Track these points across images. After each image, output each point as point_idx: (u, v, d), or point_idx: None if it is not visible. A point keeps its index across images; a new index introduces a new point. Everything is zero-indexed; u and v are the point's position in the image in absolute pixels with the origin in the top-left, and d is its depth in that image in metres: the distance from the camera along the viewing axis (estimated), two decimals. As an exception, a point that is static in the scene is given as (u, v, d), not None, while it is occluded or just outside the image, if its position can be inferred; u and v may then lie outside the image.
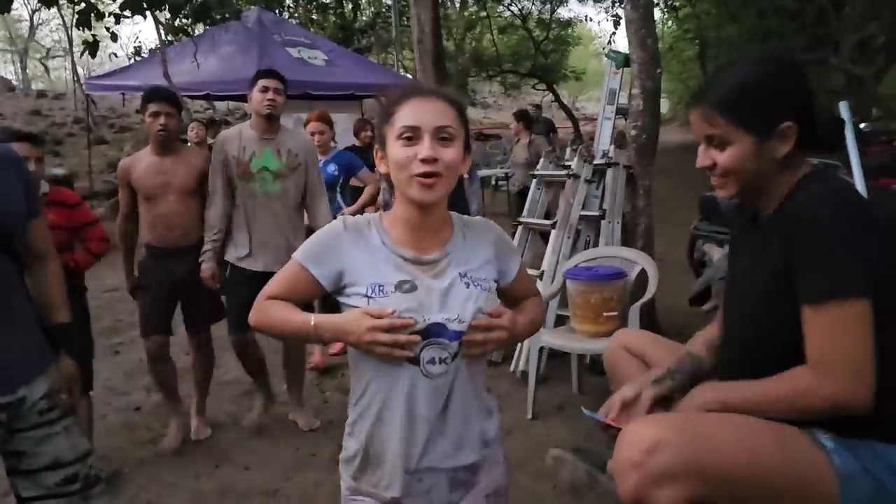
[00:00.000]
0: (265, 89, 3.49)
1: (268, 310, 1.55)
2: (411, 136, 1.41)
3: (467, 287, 1.48)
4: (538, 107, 13.31)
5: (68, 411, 1.96)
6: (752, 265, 1.56)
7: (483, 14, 22.18)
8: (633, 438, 1.35)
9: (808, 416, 1.36)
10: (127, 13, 7.28)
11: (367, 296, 1.46)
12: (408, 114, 1.42)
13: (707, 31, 20.91)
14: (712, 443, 1.32)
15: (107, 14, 7.51)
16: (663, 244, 4.51)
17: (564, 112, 21.79)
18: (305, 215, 3.78)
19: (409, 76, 15.09)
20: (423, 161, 1.39)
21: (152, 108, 3.36)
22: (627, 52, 4.74)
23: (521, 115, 7.34)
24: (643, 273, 3.85)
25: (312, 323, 1.47)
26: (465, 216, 1.66)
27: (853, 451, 1.38)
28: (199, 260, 3.50)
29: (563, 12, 25.92)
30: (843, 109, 3.10)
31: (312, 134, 4.64)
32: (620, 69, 4.80)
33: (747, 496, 1.35)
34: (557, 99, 22.55)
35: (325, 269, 1.51)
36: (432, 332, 1.45)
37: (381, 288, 1.46)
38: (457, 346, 1.47)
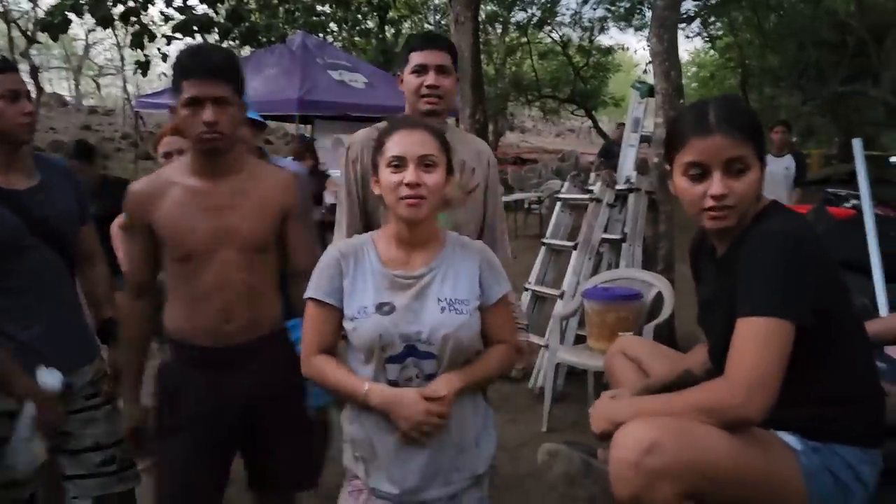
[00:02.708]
0: (421, 69, 2.19)
1: (320, 368, 1.72)
2: (398, 164, 1.63)
3: (442, 312, 1.65)
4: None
5: (109, 399, 2.17)
6: (716, 293, 1.67)
7: (524, 40, 22.46)
8: (629, 440, 1.44)
9: (717, 422, 1.44)
10: (178, 35, 7.68)
11: (352, 318, 1.66)
12: (395, 144, 1.65)
13: (749, 60, 20.90)
14: (702, 444, 1.42)
15: (159, 35, 7.93)
16: (686, 271, 4.62)
17: (602, 138, 21.89)
18: None
19: (448, 100, 15.33)
20: (408, 185, 1.61)
21: (190, 90, 1.82)
22: (653, 82, 4.89)
23: None
24: (660, 295, 3.96)
25: (365, 390, 1.64)
26: (464, 237, 1.82)
27: (817, 451, 1.51)
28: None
29: (604, 39, 26.11)
30: (857, 146, 3.20)
31: (169, 155, 2.78)
32: (645, 99, 4.95)
33: (731, 491, 1.47)
34: (595, 125, 22.68)
35: (335, 294, 1.71)
36: (407, 353, 1.64)
37: (365, 310, 1.65)
38: (430, 365, 1.65)
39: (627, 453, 1.42)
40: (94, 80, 36.36)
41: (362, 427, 1.70)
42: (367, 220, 2.25)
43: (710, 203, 1.54)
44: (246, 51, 11.60)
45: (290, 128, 11.47)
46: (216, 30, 8.40)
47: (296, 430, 2.04)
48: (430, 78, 2.17)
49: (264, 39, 10.43)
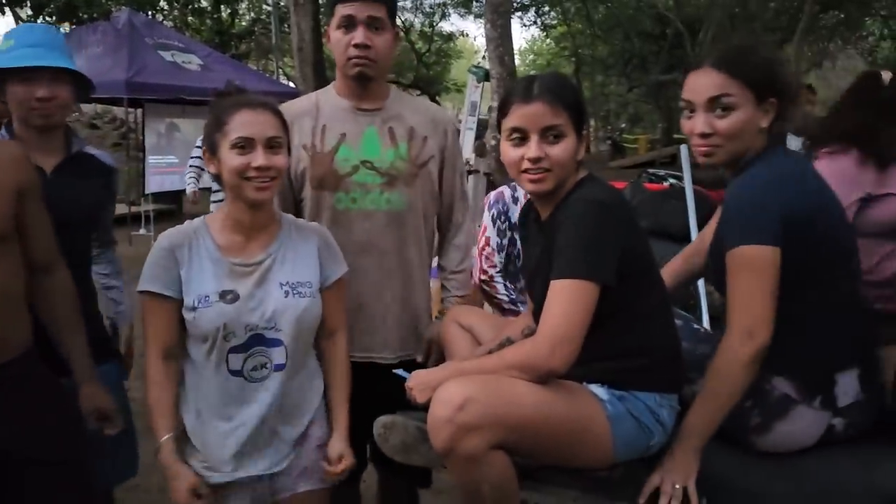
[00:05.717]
0: (348, 22, 1.87)
1: (149, 385, 1.67)
2: (244, 146, 1.58)
3: (286, 296, 1.66)
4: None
5: None
6: (540, 256, 1.80)
7: (366, 24, 22.34)
8: (445, 397, 1.52)
9: (527, 377, 1.56)
10: (-17, 8, 7.00)
11: (192, 308, 1.62)
12: (241, 125, 1.59)
13: (582, 49, 22.02)
14: (512, 398, 1.54)
15: (-39, 8, 7.19)
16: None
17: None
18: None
19: (291, 84, 15.05)
20: (259, 168, 1.58)
21: None
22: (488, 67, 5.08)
23: None
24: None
25: (161, 441, 1.64)
26: (300, 219, 1.83)
27: (621, 399, 1.66)
28: None
29: (446, 26, 26.58)
30: (683, 152, 3.54)
31: None
32: (481, 83, 5.12)
33: (541, 440, 1.59)
34: (439, 110, 22.99)
35: (173, 285, 1.64)
36: (253, 342, 1.64)
37: (206, 299, 1.62)
38: (279, 354, 1.66)
39: (442, 410, 1.50)
40: None
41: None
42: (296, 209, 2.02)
43: (527, 165, 1.66)
44: (65, 28, 10.78)
45: (119, 111, 10.79)
46: (28, 4, 7.73)
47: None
48: (358, 36, 1.86)
49: (85, 16, 9.72)
